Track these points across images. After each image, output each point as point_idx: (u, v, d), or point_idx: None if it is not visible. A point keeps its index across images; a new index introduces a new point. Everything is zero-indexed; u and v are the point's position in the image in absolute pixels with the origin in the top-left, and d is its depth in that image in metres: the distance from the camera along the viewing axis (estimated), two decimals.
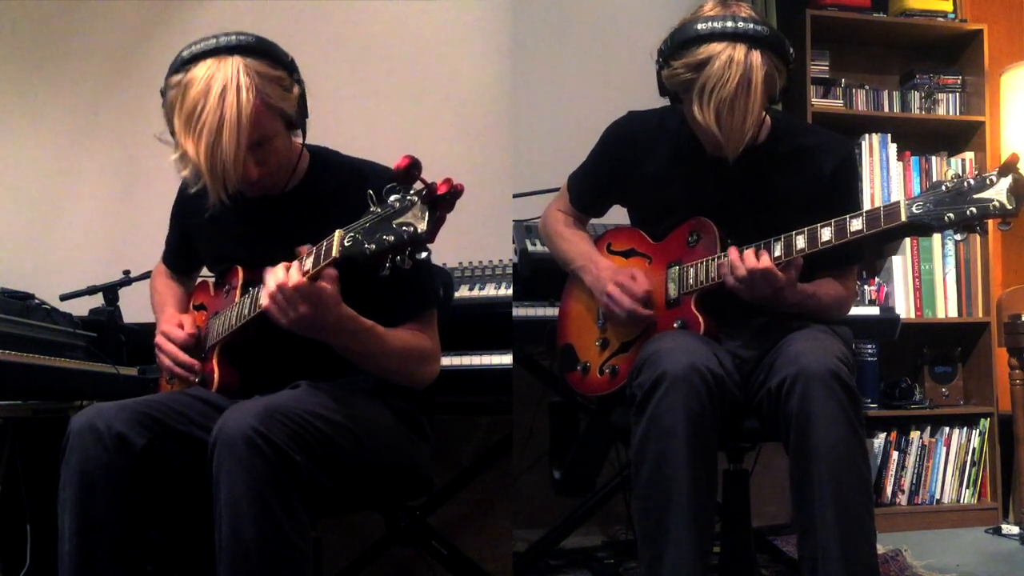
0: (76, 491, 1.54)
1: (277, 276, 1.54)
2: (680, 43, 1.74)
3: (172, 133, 1.64)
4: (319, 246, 1.51)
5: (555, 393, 2.74)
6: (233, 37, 1.62)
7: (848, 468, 1.58)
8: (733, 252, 1.78)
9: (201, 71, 1.58)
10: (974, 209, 1.56)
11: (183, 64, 1.61)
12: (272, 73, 1.63)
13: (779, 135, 1.91)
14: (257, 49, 1.63)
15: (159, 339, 1.85)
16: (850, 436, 1.59)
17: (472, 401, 2.73)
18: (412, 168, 1.39)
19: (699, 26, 1.72)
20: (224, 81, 1.56)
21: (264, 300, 1.55)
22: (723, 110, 1.70)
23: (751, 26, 1.70)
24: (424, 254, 1.40)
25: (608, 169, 2.07)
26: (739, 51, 1.69)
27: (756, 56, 1.69)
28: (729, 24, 1.70)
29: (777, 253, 1.76)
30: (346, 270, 1.49)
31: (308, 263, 1.53)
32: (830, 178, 1.89)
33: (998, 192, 1.55)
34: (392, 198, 1.41)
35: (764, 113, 1.87)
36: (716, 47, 1.70)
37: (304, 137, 1.77)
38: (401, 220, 1.39)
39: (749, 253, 1.77)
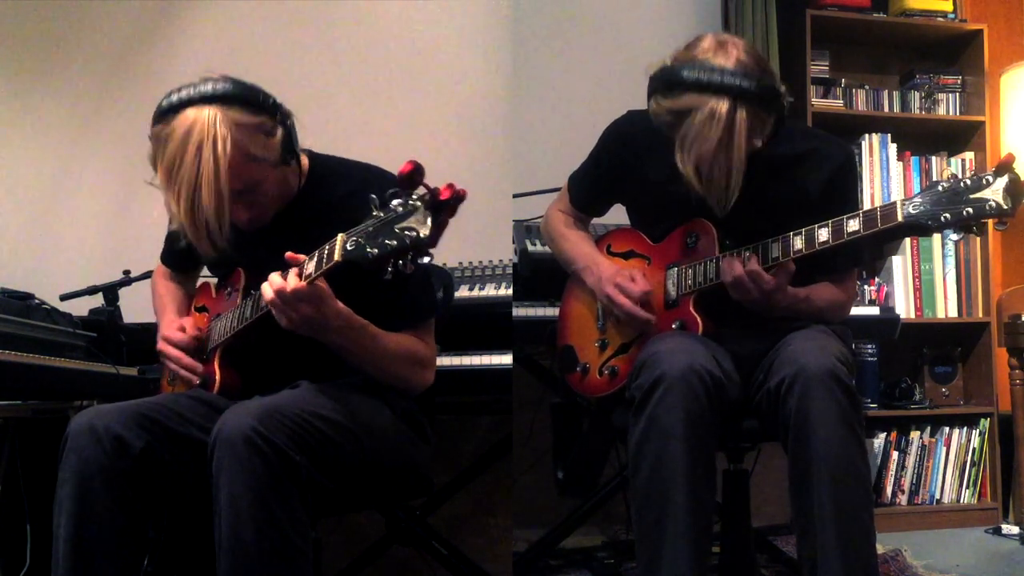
0: (73, 492, 1.54)
1: (274, 283, 1.55)
2: (666, 84, 1.71)
3: None
4: (321, 250, 1.52)
5: (555, 393, 2.75)
6: (210, 86, 1.59)
7: (847, 468, 1.58)
8: (725, 260, 1.79)
9: (179, 124, 1.56)
10: (970, 209, 1.56)
11: (162, 115, 1.60)
12: (252, 121, 1.61)
13: (780, 139, 1.91)
14: (236, 96, 1.60)
15: (161, 344, 1.86)
16: (849, 436, 1.59)
17: (472, 401, 2.74)
18: (415, 173, 1.39)
19: (685, 72, 1.68)
20: (201, 136, 1.55)
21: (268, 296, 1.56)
22: (703, 166, 1.69)
23: (738, 80, 1.65)
24: (426, 259, 1.40)
25: (607, 169, 2.07)
26: (723, 106, 1.64)
27: (741, 113, 1.65)
28: (715, 77, 1.65)
29: (775, 254, 1.77)
30: (347, 275, 1.50)
31: (310, 267, 1.53)
32: (828, 183, 1.88)
33: (994, 192, 1.55)
34: (395, 203, 1.41)
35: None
36: (700, 99, 1.65)
37: (299, 161, 1.76)
38: (404, 225, 1.39)
39: (737, 258, 1.77)
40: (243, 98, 1.61)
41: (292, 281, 1.53)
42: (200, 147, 1.54)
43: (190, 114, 1.57)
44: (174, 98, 1.60)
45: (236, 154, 1.57)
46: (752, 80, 1.66)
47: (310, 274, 1.53)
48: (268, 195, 1.70)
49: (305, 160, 1.83)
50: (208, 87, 1.59)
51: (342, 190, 1.76)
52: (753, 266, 1.75)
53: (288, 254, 1.58)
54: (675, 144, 1.71)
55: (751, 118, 1.67)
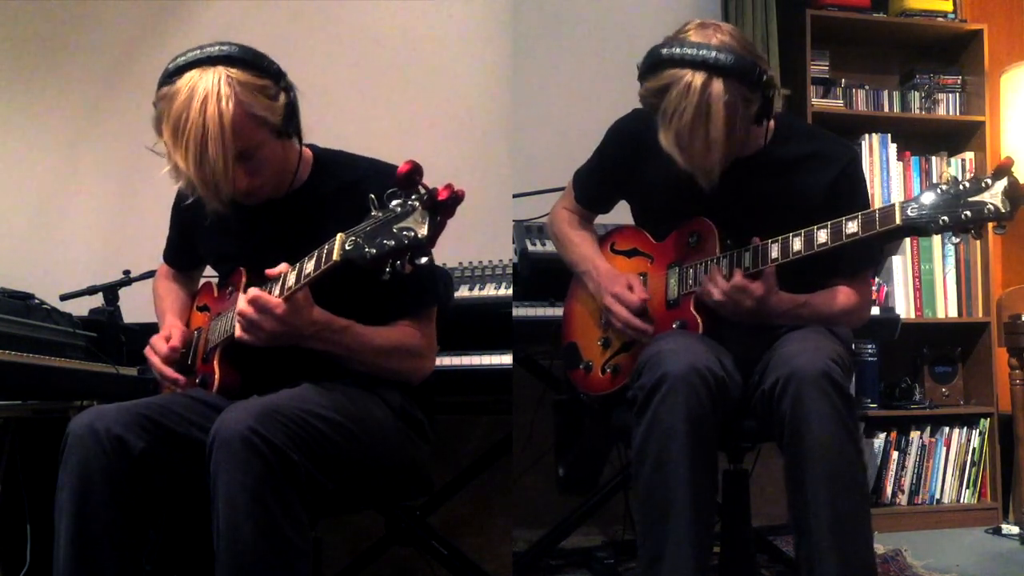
0: (74, 494, 1.54)
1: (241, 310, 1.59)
2: (649, 66, 1.73)
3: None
4: (320, 249, 1.52)
5: (556, 392, 2.75)
6: (216, 48, 1.61)
7: (842, 469, 1.58)
8: (706, 282, 1.80)
9: (184, 83, 1.58)
10: (968, 212, 1.56)
11: (168, 77, 1.62)
12: (256, 82, 1.62)
13: (783, 139, 1.91)
14: (240, 59, 1.61)
15: (147, 350, 1.87)
16: (844, 436, 1.59)
17: (472, 401, 2.74)
18: (413, 173, 1.40)
19: (664, 51, 1.70)
20: (205, 91, 1.56)
21: (237, 331, 1.61)
22: (683, 139, 1.69)
23: (713, 54, 1.66)
24: (424, 259, 1.41)
25: (611, 167, 2.07)
26: (697, 79, 1.66)
27: (716, 85, 1.66)
28: (689, 51, 1.67)
29: (774, 255, 1.76)
30: (345, 274, 1.50)
31: (309, 266, 1.54)
32: (831, 186, 1.87)
33: (993, 195, 1.55)
34: (394, 203, 1.41)
35: (771, 120, 1.86)
36: (676, 73, 1.67)
37: (300, 143, 1.76)
38: (402, 225, 1.39)
39: (717, 276, 1.78)
40: (247, 60, 1.62)
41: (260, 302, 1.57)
42: (205, 103, 1.56)
43: (195, 74, 1.59)
44: (180, 61, 1.62)
45: (240, 112, 1.58)
46: (729, 55, 1.67)
47: (308, 273, 1.54)
48: (268, 164, 1.70)
49: (309, 152, 1.83)
50: (213, 49, 1.61)
51: (345, 181, 1.77)
52: (736, 280, 1.75)
53: (268, 271, 1.61)
54: (658, 122, 1.72)
55: (730, 92, 1.67)
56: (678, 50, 1.68)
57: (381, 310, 1.73)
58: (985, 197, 1.55)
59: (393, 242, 1.39)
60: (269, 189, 1.75)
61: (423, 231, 1.38)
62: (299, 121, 1.72)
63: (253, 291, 1.58)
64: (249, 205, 1.74)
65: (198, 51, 1.62)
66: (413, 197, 1.40)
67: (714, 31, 1.73)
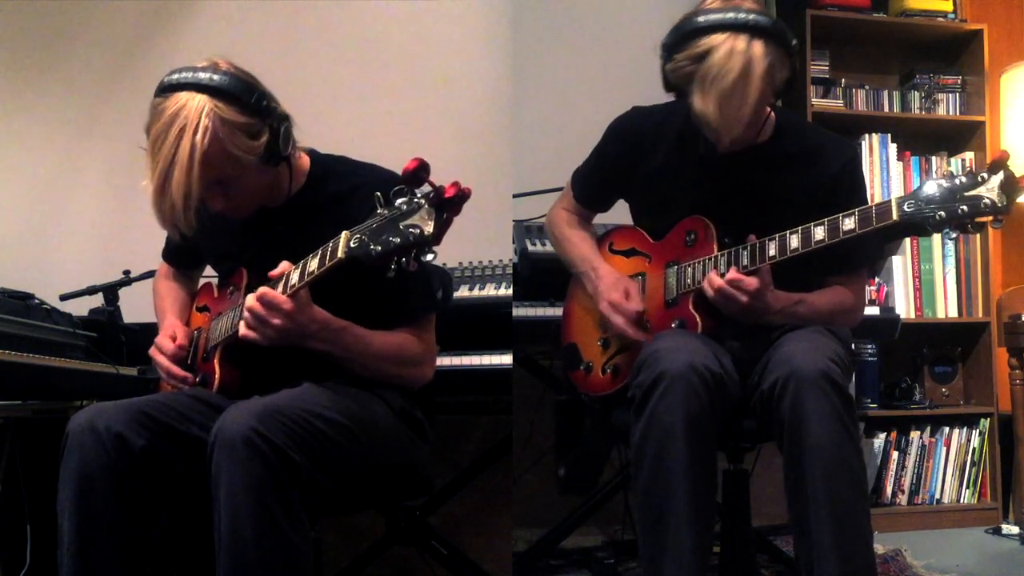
0: (75, 492, 1.54)
1: (251, 303, 1.58)
2: (682, 36, 1.75)
3: None
4: (324, 247, 1.53)
5: (556, 392, 2.75)
6: (208, 75, 1.60)
7: (841, 469, 1.58)
8: (705, 279, 1.80)
9: (171, 103, 1.59)
10: (965, 207, 1.56)
11: (162, 90, 1.62)
12: (239, 120, 1.60)
13: (782, 135, 1.91)
14: (229, 92, 1.60)
15: (152, 350, 1.87)
16: (843, 437, 1.59)
17: (472, 401, 2.73)
18: (420, 170, 1.40)
19: (700, 19, 1.73)
20: (186, 120, 1.57)
21: (242, 329, 1.60)
22: (723, 100, 1.70)
23: (752, 17, 1.70)
24: (430, 256, 1.41)
25: (611, 165, 2.07)
26: (740, 41, 1.69)
27: (758, 46, 1.69)
28: (730, 15, 1.70)
29: (771, 252, 1.76)
30: (349, 272, 1.50)
31: (313, 264, 1.54)
32: (831, 183, 1.87)
33: (989, 190, 1.55)
34: (399, 200, 1.41)
35: (770, 111, 1.87)
36: (717, 38, 1.70)
37: (291, 168, 1.76)
38: (408, 222, 1.39)
39: (712, 273, 1.78)
40: (236, 95, 1.61)
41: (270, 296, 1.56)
42: (182, 132, 1.56)
43: (182, 97, 1.59)
44: (175, 77, 1.62)
45: (214, 147, 1.58)
46: (766, 18, 1.71)
47: (312, 271, 1.54)
48: (246, 192, 1.70)
49: (306, 159, 1.83)
50: (206, 75, 1.61)
51: (343, 188, 1.76)
52: (732, 275, 1.76)
53: (271, 272, 1.61)
54: (695, 88, 1.73)
55: (769, 54, 1.70)
56: (716, 16, 1.71)
57: (379, 316, 1.73)
58: (981, 191, 1.56)
59: (399, 239, 1.39)
60: (253, 207, 1.75)
61: (429, 228, 1.38)
62: (285, 149, 1.69)
63: (263, 289, 1.58)
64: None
65: (190, 73, 1.61)
66: (419, 194, 1.40)
67: (739, 0, 1.75)
